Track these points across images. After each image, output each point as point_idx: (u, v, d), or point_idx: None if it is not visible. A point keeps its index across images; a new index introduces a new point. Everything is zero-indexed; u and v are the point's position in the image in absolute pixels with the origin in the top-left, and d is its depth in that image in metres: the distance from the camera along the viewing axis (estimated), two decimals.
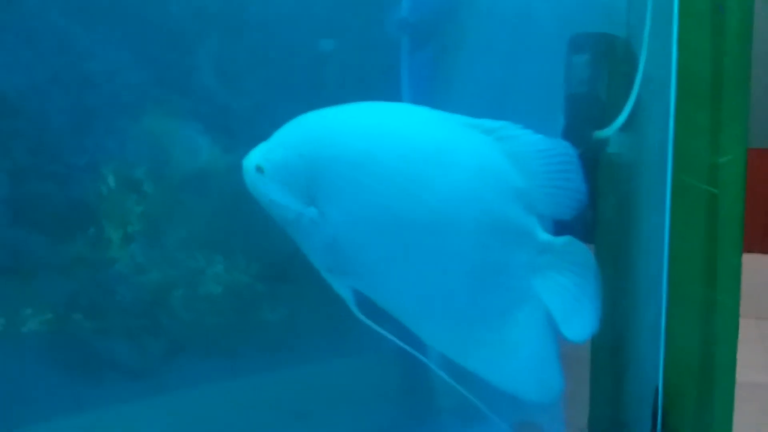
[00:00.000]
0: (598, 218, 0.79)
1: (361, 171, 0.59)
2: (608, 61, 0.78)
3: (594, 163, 0.77)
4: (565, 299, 0.61)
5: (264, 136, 0.86)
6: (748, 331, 2.05)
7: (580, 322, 0.61)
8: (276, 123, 0.86)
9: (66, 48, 0.72)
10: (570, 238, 0.60)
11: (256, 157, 0.63)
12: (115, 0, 0.73)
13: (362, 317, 0.61)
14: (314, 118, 0.63)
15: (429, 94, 0.92)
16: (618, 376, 0.82)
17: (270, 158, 0.62)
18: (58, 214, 0.72)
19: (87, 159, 0.73)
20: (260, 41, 0.83)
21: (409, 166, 0.58)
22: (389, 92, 0.92)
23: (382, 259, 0.61)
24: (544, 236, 0.60)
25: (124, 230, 0.75)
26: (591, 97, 0.79)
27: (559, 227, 0.64)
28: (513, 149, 0.59)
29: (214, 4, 0.80)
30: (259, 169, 0.63)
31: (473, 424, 0.69)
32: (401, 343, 0.62)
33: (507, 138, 0.59)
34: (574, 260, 0.61)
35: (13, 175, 0.70)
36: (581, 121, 0.78)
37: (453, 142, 0.59)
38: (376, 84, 0.93)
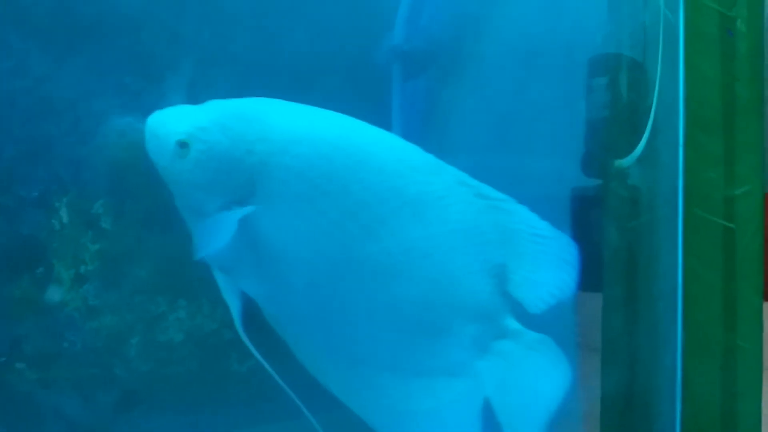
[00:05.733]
0: (606, 261, 0.72)
1: (321, 196, 0.51)
2: (627, 85, 0.72)
3: (605, 198, 0.71)
4: (514, 399, 0.53)
5: None
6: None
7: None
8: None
9: (23, 71, 0.67)
10: (547, 338, 0.53)
11: (181, 129, 0.52)
12: (78, 21, 0.68)
13: (242, 334, 0.54)
14: (279, 113, 0.52)
15: (421, 127, 0.86)
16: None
17: (205, 139, 0.51)
18: (4, 251, 0.66)
19: (39, 191, 0.67)
20: (239, 72, 0.79)
21: (381, 207, 0.51)
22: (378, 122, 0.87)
23: (308, 283, 0.54)
24: (513, 324, 0.53)
25: (77, 270, 0.68)
26: (612, 123, 0.72)
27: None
28: (507, 224, 0.53)
29: (188, 30, 0.75)
30: (183, 146, 0.51)
31: None
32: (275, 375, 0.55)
33: (503, 210, 0.53)
34: (540, 363, 0.53)
35: None
36: (602, 150, 0.72)
37: (439, 195, 0.52)
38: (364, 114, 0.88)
